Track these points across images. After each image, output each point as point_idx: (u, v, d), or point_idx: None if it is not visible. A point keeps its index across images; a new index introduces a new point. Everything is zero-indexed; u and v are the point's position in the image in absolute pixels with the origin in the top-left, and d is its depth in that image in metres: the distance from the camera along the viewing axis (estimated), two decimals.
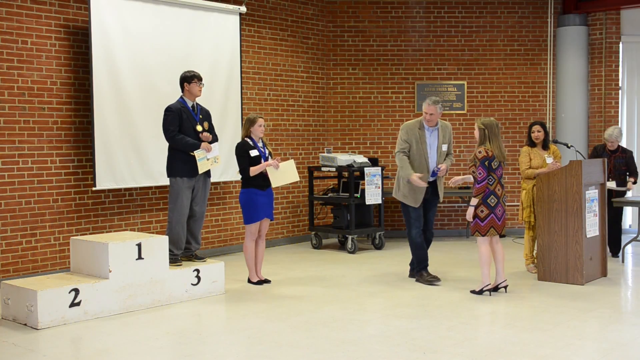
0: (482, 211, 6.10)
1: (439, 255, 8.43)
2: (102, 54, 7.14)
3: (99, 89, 7.13)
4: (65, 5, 7.17)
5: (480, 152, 6.07)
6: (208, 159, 6.49)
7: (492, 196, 6.11)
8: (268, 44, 9.17)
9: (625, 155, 7.95)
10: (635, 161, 8.33)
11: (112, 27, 7.22)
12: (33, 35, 6.93)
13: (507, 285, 6.31)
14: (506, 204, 6.42)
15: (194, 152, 6.41)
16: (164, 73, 7.59)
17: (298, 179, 6.94)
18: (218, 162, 6.64)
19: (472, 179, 6.27)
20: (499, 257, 6.28)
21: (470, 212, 6.13)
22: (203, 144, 6.44)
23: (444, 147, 6.75)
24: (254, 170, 6.58)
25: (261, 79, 9.11)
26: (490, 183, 6.10)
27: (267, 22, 9.14)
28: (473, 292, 6.27)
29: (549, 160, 7.18)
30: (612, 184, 7.73)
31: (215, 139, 6.66)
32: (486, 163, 6.05)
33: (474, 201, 6.10)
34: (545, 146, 7.27)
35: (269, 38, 9.17)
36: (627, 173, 8.01)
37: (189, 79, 6.53)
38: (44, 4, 7.01)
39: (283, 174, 6.71)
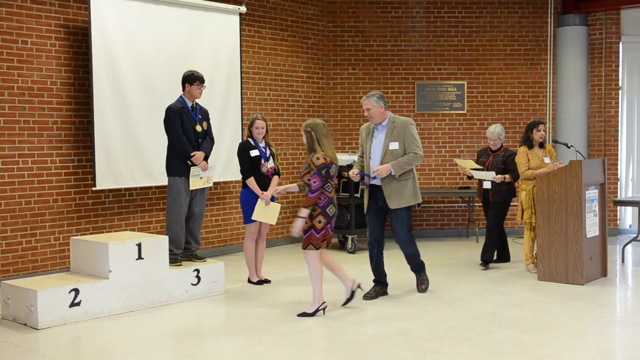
0: (319, 222, 5.50)
1: (439, 255, 8.43)
2: (102, 54, 7.14)
3: (99, 89, 7.13)
4: (65, 5, 7.17)
5: (318, 158, 5.41)
6: (201, 178, 6.50)
7: (331, 205, 5.57)
8: (268, 44, 9.17)
9: (505, 154, 7.47)
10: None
11: (112, 27, 7.22)
12: (33, 35, 6.93)
13: (359, 284, 5.86)
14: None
15: (191, 167, 6.42)
16: (164, 73, 7.59)
17: (274, 224, 6.83)
18: (210, 183, 6.62)
19: (296, 188, 5.81)
20: (336, 263, 5.79)
21: (299, 224, 5.44)
22: (202, 163, 6.44)
23: (392, 146, 6.03)
24: (249, 182, 6.63)
25: (261, 79, 9.10)
26: (329, 191, 5.55)
27: (267, 22, 9.14)
28: (303, 315, 5.54)
29: (547, 160, 7.18)
30: (487, 184, 7.42)
31: (211, 139, 6.66)
32: (324, 171, 5.44)
33: (304, 212, 5.45)
34: (541, 145, 7.27)
35: (269, 38, 9.17)
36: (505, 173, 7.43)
37: (190, 80, 6.52)
38: (44, 4, 7.01)
39: (267, 212, 6.64)
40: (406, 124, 6.10)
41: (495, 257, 7.71)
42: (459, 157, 9.98)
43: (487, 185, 7.44)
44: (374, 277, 6.38)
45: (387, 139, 6.06)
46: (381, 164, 6.04)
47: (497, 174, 7.33)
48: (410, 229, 6.32)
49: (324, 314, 5.60)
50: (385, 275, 6.40)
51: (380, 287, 6.35)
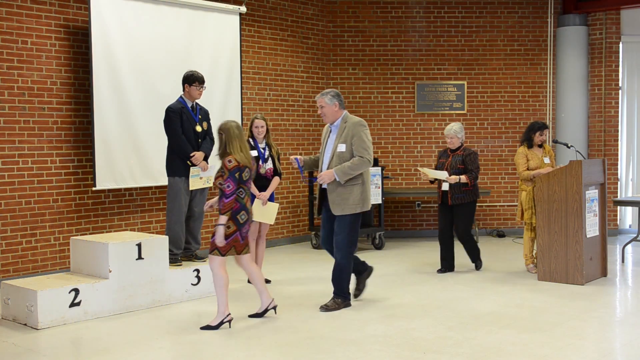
0: (228, 227, 5.20)
1: (438, 255, 8.42)
2: (102, 54, 7.14)
3: (99, 89, 7.12)
4: (65, 5, 7.17)
5: (230, 161, 5.14)
6: (201, 178, 6.50)
7: (243, 211, 5.25)
8: (268, 44, 9.17)
9: (464, 153, 7.10)
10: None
11: (112, 27, 7.22)
12: (33, 35, 6.92)
13: (275, 306, 5.59)
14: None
15: (191, 167, 6.42)
16: (164, 73, 7.59)
17: (272, 223, 6.81)
18: (209, 183, 6.62)
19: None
20: (259, 276, 5.52)
21: (220, 232, 5.15)
22: (202, 163, 6.43)
23: (340, 148, 5.62)
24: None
25: (261, 79, 9.10)
26: (242, 196, 5.25)
27: (267, 22, 9.14)
28: (207, 328, 5.22)
29: (547, 160, 7.18)
30: (445, 185, 7.03)
31: (211, 139, 6.66)
32: (237, 175, 5.16)
33: (223, 219, 5.14)
34: (540, 145, 7.26)
35: (269, 38, 9.17)
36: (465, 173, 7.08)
37: (190, 81, 6.52)
38: (44, 4, 7.01)
39: (265, 211, 6.62)
40: (356, 125, 5.64)
41: (442, 267, 7.33)
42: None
43: (445, 186, 7.08)
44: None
45: (337, 140, 5.70)
46: (328, 166, 5.68)
47: (456, 174, 6.99)
48: (352, 240, 5.71)
49: (229, 326, 5.25)
50: (361, 264, 6.08)
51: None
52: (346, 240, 5.67)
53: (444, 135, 9.90)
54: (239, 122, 8.39)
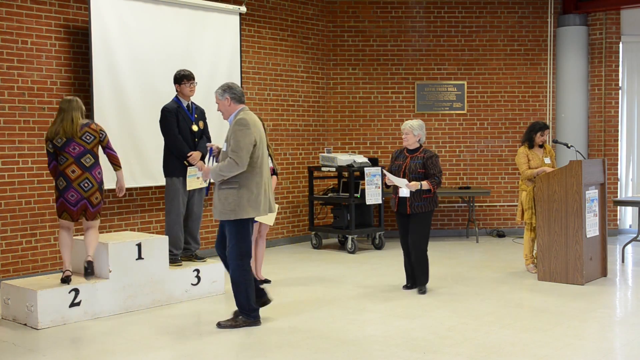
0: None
1: (439, 255, 8.43)
2: (102, 54, 7.14)
3: (99, 89, 7.12)
4: (65, 5, 7.17)
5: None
6: (198, 178, 6.47)
7: (60, 178, 5.55)
8: (268, 44, 9.17)
9: (424, 155, 6.31)
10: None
11: (112, 27, 7.21)
12: (33, 35, 6.92)
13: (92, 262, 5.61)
14: (88, 189, 5.59)
15: (188, 167, 6.41)
16: (164, 73, 7.58)
17: (272, 224, 6.85)
18: (206, 184, 6.61)
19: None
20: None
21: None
22: (199, 163, 6.35)
23: (224, 147, 5.27)
24: None
25: (261, 79, 9.10)
26: (61, 163, 5.53)
27: (267, 22, 9.14)
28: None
29: (547, 160, 7.18)
30: (404, 191, 6.23)
31: (208, 139, 6.65)
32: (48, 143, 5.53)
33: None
34: (540, 145, 7.26)
35: (269, 38, 9.17)
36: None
37: (178, 81, 6.52)
38: (44, 4, 7.01)
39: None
40: (235, 124, 5.19)
41: (407, 283, 6.60)
42: (458, 157, 9.99)
43: (404, 193, 6.23)
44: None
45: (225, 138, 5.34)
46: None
47: (416, 179, 6.21)
48: (241, 252, 5.23)
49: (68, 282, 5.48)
50: (260, 290, 5.53)
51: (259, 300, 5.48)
52: (234, 251, 5.21)
53: (444, 136, 10.01)
54: None
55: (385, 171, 6.47)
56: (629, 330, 5.22)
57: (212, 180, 5.39)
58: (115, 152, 5.88)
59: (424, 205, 6.29)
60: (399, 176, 6.27)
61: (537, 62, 10.07)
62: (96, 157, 5.69)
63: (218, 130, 7.76)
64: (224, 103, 5.30)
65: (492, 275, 7.22)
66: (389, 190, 6.94)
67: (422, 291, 6.40)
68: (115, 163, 5.86)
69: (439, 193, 9.54)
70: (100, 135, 5.71)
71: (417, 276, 6.44)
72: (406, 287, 6.58)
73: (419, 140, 6.35)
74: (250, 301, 5.29)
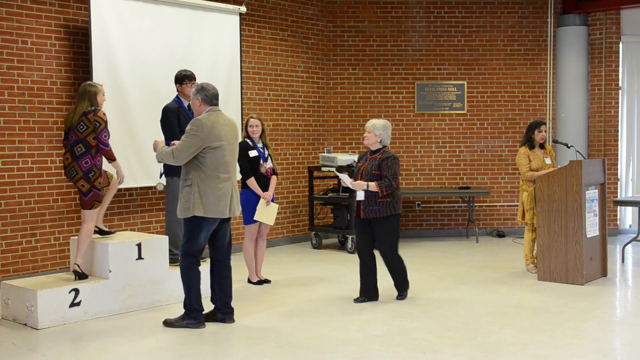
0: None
1: (439, 255, 8.43)
2: (102, 54, 7.14)
3: None
4: (65, 5, 7.17)
5: (104, 114, 5.73)
6: None
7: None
8: (268, 44, 9.17)
9: (381, 156, 5.92)
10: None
11: (112, 27, 7.21)
12: (33, 35, 6.92)
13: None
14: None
15: None
16: (164, 73, 7.58)
17: (272, 224, 6.89)
18: None
19: None
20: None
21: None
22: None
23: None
24: (250, 183, 6.63)
25: (261, 79, 9.10)
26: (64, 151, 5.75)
27: (267, 22, 9.14)
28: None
29: (548, 161, 7.18)
30: (360, 194, 5.91)
31: None
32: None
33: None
34: (541, 146, 7.25)
35: (269, 38, 9.17)
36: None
37: (180, 81, 6.53)
38: (44, 4, 7.01)
39: (267, 212, 6.69)
40: (189, 123, 5.23)
41: (360, 295, 6.11)
42: (458, 157, 9.99)
43: (359, 196, 5.91)
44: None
45: None
46: None
47: (371, 182, 5.85)
48: (187, 251, 5.25)
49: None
50: (217, 299, 5.47)
51: (212, 312, 5.47)
52: (183, 249, 5.27)
53: (444, 136, 10.01)
54: (239, 122, 8.40)
55: (335, 170, 6.25)
56: (629, 330, 5.23)
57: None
58: (106, 145, 5.74)
59: (379, 210, 5.87)
60: (357, 179, 5.98)
61: (537, 62, 10.07)
62: (87, 147, 5.64)
63: None
64: (196, 103, 5.30)
65: (492, 275, 7.22)
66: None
67: (401, 297, 6.11)
68: (107, 157, 5.79)
69: (439, 193, 9.61)
70: (95, 125, 5.65)
71: (396, 283, 6.13)
72: (358, 300, 6.04)
73: (381, 140, 5.98)
74: (191, 301, 5.28)
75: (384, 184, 5.80)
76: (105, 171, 5.98)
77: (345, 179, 6.01)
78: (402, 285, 6.14)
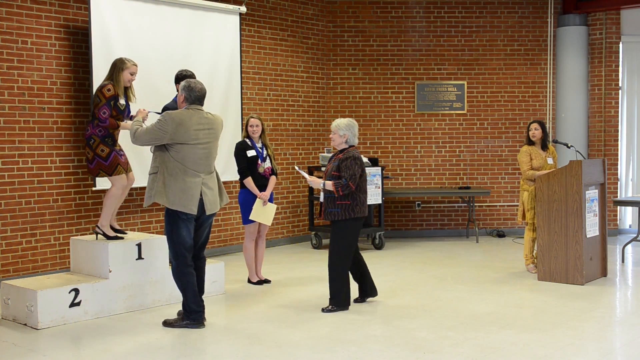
0: (102, 150, 5.79)
1: (439, 255, 8.43)
2: (102, 54, 7.13)
3: None
4: (65, 5, 7.17)
5: (109, 89, 5.74)
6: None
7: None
8: (268, 44, 9.17)
9: (342, 157, 5.68)
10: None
11: (112, 27, 7.21)
12: (33, 35, 6.92)
13: None
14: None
15: None
16: (164, 73, 7.58)
17: (269, 224, 6.87)
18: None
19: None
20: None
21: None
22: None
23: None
24: (247, 183, 6.64)
25: (261, 79, 9.10)
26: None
27: (267, 22, 9.14)
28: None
29: (550, 161, 7.18)
30: (322, 195, 5.81)
31: None
32: (112, 102, 5.79)
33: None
34: (544, 146, 7.26)
35: (269, 38, 9.17)
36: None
37: (180, 80, 6.51)
38: (44, 4, 7.01)
39: (264, 212, 6.68)
40: (164, 113, 5.33)
41: (359, 296, 6.01)
42: (458, 156, 9.99)
43: (321, 196, 5.78)
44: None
45: None
46: None
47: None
48: (175, 252, 5.23)
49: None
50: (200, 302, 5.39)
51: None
52: (170, 251, 5.31)
53: (444, 136, 10.01)
54: (239, 122, 8.40)
55: (296, 167, 6.37)
56: (629, 330, 5.23)
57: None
58: (103, 121, 5.73)
59: (337, 212, 5.64)
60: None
61: (537, 62, 10.08)
62: (93, 117, 5.84)
63: None
64: (180, 97, 5.38)
65: (492, 275, 7.22)
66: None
67: (325, 310, 5.70)
68: (110, 129, 5.85)
69: (439, 193, 9.61)
70: (97, 99, 5.82)
71: (330, 291, 5.75)
72: (356, 299, 5.97)
73: (347, 140, 5.73)
74: (189, 302, 5.29)
75: (340, 184, 5.58)
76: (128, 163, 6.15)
77: (305, 175, 5.96)
78: (333, 297, 5.73)
